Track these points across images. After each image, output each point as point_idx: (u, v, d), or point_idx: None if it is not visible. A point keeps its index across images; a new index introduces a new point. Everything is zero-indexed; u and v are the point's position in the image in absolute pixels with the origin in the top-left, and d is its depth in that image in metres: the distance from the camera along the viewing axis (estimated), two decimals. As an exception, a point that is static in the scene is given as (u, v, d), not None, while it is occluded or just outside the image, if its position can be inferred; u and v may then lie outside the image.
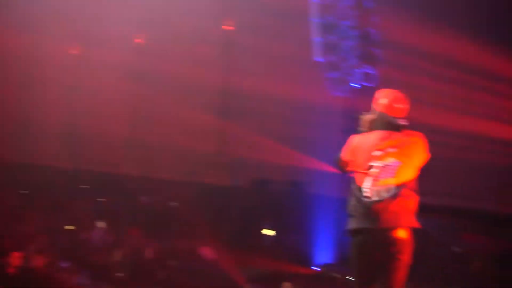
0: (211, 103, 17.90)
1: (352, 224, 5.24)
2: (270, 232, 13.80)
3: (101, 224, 13.43)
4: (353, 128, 14.92)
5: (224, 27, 17.76)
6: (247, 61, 17.16)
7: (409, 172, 5.30)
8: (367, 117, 5.61)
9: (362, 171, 5.40)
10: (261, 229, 13.68)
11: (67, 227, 13.86)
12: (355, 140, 5.57)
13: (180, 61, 16.88)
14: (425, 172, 5.47)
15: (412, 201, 5.27)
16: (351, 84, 10.41)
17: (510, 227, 9.90)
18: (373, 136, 5.46)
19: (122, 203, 15.48)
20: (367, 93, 11.08)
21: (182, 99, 16.95)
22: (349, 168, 5.67)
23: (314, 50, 10.82)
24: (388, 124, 5.44)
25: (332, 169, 13.54)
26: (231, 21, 17.51)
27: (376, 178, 5.34)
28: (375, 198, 5.28)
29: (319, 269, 9.05)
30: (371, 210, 5.22)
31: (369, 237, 5.19)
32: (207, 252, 12.26)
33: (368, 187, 5.35)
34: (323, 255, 10.65)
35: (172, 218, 14.58)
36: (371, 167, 5.38)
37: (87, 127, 17.21)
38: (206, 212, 14.10)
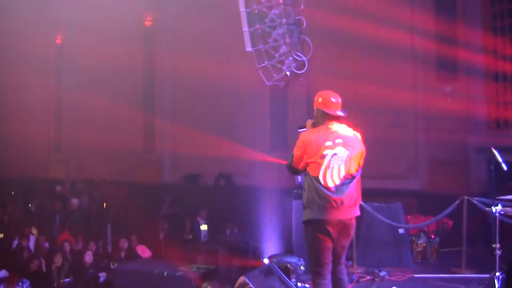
0: (137, 99, 17.71)
1: (311, 215, 6.17)
2: (204, 227, 13.76)
3: (34, 230, 13.14)
4: (280, 114, 15.00)
5: (146, 23, 17.60)
6: (172, 51, 17.04)
7: (355, 162, 6.26)
8: (310, 122, 6.46)
9: (316, 160, 6.11)
10: (199, 225, 13.58)
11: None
12: (306, 135, 6.30)
13: (103, 57, 16.61)
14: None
15: (360, 190, 6.31)
16: (285, 72, 10.33)
17: (443, 205, 10.15)
18: (322, 130, 6.29)
19: (53, 207, 15.14)
20: (298, 80, 11.17)
21: (107, 96, 16.68)
22: (302, 165, 6.28)
23: (244, 40, 10.72)
24: (329, 117, 6.28)
25: (265, 159, 13.65)
26: (153, 15, 17.36)
27: (328, 166, 6.13)
28: (335, 193, 6.14)
29: (268, 260, 9.01)
30: (330, 203, 6.13)
31: (330, 226, 6.14)
32: (144, 250, 12.15)
33: (325, 178, 6.14)
34: (268, 246, 10.62)
35: (106, 219, 14.33)
36: (324, 156, 6.13)
37: (9, 131, 16.74)
38: (139, 211, 13.94)
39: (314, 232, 6.22)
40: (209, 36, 15.72)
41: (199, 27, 15.89)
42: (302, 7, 10.73)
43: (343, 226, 6.23)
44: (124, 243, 12.24)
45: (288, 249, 10.07)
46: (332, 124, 6.32)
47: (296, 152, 6.30)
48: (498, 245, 8.13)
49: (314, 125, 6.41)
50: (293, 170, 6.42)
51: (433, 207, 11.00)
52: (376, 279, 9.33)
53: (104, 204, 15.11)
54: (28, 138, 16.72)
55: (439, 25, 13.88)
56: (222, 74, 15.56)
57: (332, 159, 6.18)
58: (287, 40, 10.58)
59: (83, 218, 14.48)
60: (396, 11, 13.37)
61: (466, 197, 9.93)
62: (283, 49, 10.65)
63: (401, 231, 10.38)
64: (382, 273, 9.46)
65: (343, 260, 6.45)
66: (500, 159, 8.32)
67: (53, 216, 14.62)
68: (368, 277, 9.48)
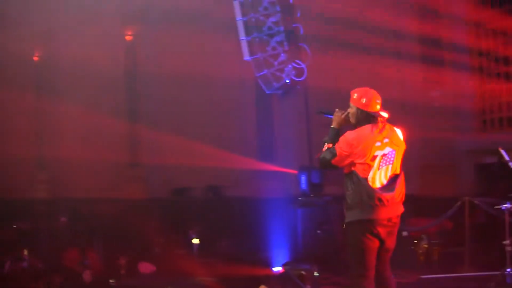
0: (121, 111, 17.67)
1: (360, 215, 6.13)
2: (196, 241, 13.84)
3: (25, 252, 13.00)
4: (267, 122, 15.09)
5: (127, 37, 17.64)
6: (155, 61, 17.10)
7: (399, 159, 6.29)
8: (340, 114, 6.53)
9: (366, 162, 6.13)
10: (191, 239, 13.67)
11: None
12: (354, 134, 6.27)
13: (84, 70, 16.58)
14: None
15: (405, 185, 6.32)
16: (285, 80, 10.55)
17: (440, 208, 10.50)
18: (369, 129, 6.27)
19: (43, 227, 15.01)
20: (296, 88, 11.41)
21: (89, 110, 16.63)
22: (345, 164, 6.25)
23: (242, 49, 10.91)
24: (373, 118, 6.28)
25: (267, 167, 13.82)
26: (135, 28, 17.42)
27: (378, 167, 6.16)
28: (385, 191, 6.12)
29: (281, 268, 9.19)
30: (382, 202, 6.10)
31: (380, 226, 6.12)
32: (146, 266, 12.18)
33: (374, 179, 6.15)
34: (275, 255, 10.79)
35: (97, 237, 14.28)
36: (375, 157, 6.16)
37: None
38: (128, 227, 13.93)
39: (362, 233, 6.17)
40: (196, 44, 15.83)
41: (184, 36, 15.99)
42: (298, 14, 10.97)
43: (392, 225, 6.24)
44: (122, 260, 12.25)
45: (297, 257, 10.24)
46: (378, 124, 6.28)
47: (342, 150, 6.24)
48: (508, 242, 8.41)
49: (358, 121, 6.38)
50: (328, 166, 6.38)
51: (427, 210, 11.38)
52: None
53: (94, 222, 15.03)
54: (9, 157, 16.52)
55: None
56: (209, 82, 15.70)
57: (382, 160, 6.21)
58: (286, 48, 10.79)
59: (74, 237, 14.38)
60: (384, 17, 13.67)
61: (468, 198, 10.26)
62: (282, 57, 10.88)
63: (404, 233, 10.66)
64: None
65: (389, 266, 6.45)
66: (507, 158, 8.60)
67: (43, 236, 14.49)
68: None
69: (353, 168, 6.20)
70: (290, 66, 10.88)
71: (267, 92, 11.30)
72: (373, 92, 6.43)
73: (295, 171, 11.59)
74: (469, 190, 12.84)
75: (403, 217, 10.40)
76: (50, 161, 17.93)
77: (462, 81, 14.19)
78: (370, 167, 6.16)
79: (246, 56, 11.17)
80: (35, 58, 18.22)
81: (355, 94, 6.40)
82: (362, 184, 6.13)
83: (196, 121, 16.55)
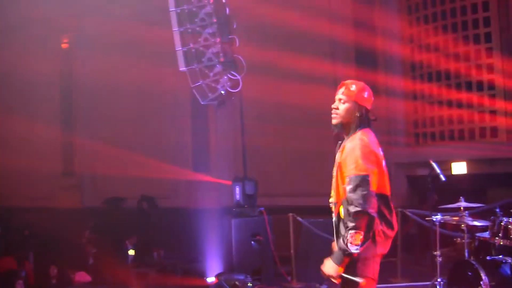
0: (54, 118, 17.44)
1: (375, 248, 4.91)
2: (131, 252, 13.74)
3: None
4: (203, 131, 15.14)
5: (63, 45, 17.44)
6: (91, 68, 16.95)
7: None
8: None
9: (381, 173, 4.92)
10: (127, 250, 13.56)
11: None
12: (369, 142, 4.97)
13: (17, 75, 16.33)
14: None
15: None
16: (220, 91, 10.56)
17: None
18: (371, 135, 5.08)
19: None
20: (232, 99, 11.42)
21: (22, 116, 16.37)
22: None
23: (178, 60, 10.89)
24: (370, 121, 5.17)
25: (202, 179, 13.77)
26: (70, 36, 17.23)
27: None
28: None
29: (215, 279, 9.18)
30: (394, 230, 5.10)
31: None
32: (82, 276, 12.03)
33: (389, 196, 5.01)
34: (208, 266, 10.78)
35: (30, 247, 14.02)
36: (385, 167, 5.08)
37: None
38: (61, 237, 13.72)
39: (372, 272, 5.01)
40: (132, 54, 15.74)
41: (120, 45, 15.89)
42: (234, 26, 11.01)
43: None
44: (53, 270, 12.06)
45: (230, 267, 10.24)
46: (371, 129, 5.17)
47: (371, 167, 4.83)
48: (438, 253, 8.56)
49: (360, 123, 5.09)
50: (371, 203, 4.70)
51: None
52: (317, 293, 9.62)
53: (25, 231, 14.73)
54: None
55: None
56: (144, 92, 15.63)
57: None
58: (221, 59, 10.81)
59: (7, 247, 14.08)
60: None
61: (400, 209, 10.42)
62: (218, 68, 10.88)
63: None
64: (323, 287, 9.75)
65: None
66: (438, 171, 8.77)
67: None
68: (308, 292, 9.77)
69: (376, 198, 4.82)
70: (225, 77, 10.88)
71: (202, 103, 11.27)
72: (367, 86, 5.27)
73: (229, 182, 11.59)
74: (401, 202, 13.03)
75: (331, 230, 10.62)
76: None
77: (395, 95, 14.41)
78: (384, 176, 5.03)
79: (182, 67, 11.13)
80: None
81: (353, 86, 5.13)
82: (380, 205, 4.85)
83: (131, 131, 16.45)
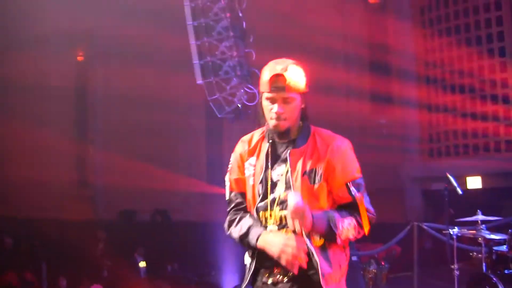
0: (68, 129, 17.55)
1: None
2: (142, 264, 13.83)
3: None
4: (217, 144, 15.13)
5: (80, 55, 17.58)
6: (105, 80, 17.09)
7: None
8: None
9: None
10: (137, 262, 13.65)
11: None
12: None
13: (31, 83, 16.45)
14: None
15: None
16: (236, 104, 10.68)
17: (389, 233, 10.71)
18: None
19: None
20: (248, 112, 11.52)
21: (35, 126, 16.47)
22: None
23: (195, 73, 11.02)
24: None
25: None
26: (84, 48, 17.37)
27: None
28: None
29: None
30: None
31: None
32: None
33: None
34: (223, 279, 10.85)
35: (42, 258, 14.13)
36: None
37: None
38: (73, 249, 13.82)
39: None
40: (148, 66, 15.87)
41: (137, 58, 16.03)
42: (251, 39, 11.13)
43: None
44: (62, 281, 12.15)
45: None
46: None
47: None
48: (456, 266, 8.59)
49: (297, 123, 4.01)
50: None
51: (375, 235, 11.56)
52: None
53: (36, 242, 14.84)
54: None
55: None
56: (160, 104, 15.74)
57: None
58: (238, 73, 10.93)
59: (17, 257, 14.18)
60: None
61: (415, 223, 10.47)
62: (234, 81, 11.00)
63: (354, 258, 10.80)
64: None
65: None
66: (455, 184, 8.80)
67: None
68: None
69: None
70: (242, 90, 11.00)
71: (219, 116, 11.39)
72: None
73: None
74: (417, 216, 13.07)
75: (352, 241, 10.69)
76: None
77: (410, 110, 14.51)
78: None
79: (199, 80, 11.25)
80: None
81: (292, 72, 3.86)
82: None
83: (146, 143, 16.54)
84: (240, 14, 11.28)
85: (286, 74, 3.81)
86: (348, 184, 3.83)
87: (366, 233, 3.89)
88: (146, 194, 15.94)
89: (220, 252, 11.35)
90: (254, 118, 10.72)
